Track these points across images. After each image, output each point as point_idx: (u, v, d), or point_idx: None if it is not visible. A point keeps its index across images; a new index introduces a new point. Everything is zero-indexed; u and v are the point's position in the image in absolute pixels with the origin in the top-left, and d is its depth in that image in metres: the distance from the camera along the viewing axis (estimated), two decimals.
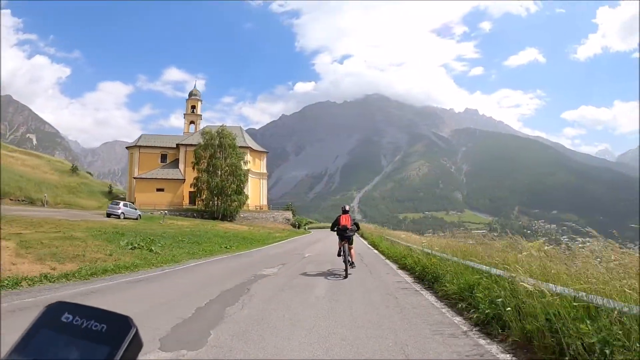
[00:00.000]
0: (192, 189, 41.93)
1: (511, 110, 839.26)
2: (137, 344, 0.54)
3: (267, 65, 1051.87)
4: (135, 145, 54.92)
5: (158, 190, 47.17)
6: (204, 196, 39.96)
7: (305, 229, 50.35)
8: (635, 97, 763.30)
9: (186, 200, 46.04)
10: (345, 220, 9.13)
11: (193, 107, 61.00)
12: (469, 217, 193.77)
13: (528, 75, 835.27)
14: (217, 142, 40.42)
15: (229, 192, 39.06)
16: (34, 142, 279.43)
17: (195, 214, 40.98)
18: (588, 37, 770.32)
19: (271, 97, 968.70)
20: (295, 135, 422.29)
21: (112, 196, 54.30)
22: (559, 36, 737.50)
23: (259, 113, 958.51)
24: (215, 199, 39.48)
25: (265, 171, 55.94)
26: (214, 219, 38.49)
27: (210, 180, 38.99)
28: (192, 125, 59.20)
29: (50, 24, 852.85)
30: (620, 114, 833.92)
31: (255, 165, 52.71)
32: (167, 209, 42.76)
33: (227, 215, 39.97)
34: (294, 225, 47.92)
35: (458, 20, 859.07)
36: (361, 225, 31.03)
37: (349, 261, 8.56)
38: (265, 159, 56.28)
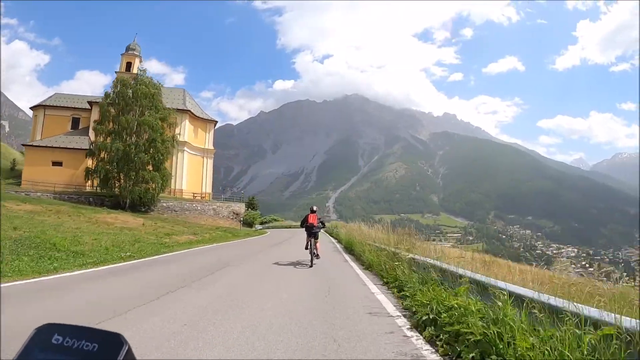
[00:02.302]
0: (90, 162, 28.25)
1: (489, 116, 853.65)
2: None
3: (248, 61, 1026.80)
4: (41, 105, 41.22)
5: (55, 164, 33.86)
6: (103, 173, 26.60)
7: (256, 228, 36.94)
8: (611, 108, 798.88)
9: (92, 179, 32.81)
10: (312, 219, 10.63)
11: (129, 64, 47.01)
12: (444, 220, 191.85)
13: (507, 82, 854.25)
14: (131, 92, 27.35)
15: (137, 166, 25.90)
16: (7, 129, 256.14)
17: (92, 199, 27.86)
18: (567, 48, 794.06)
19: (250, 94, 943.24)
20: (273, 133, 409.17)
21: (14, 173, 43.23)
22: (539, 46, 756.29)
23: (237, 109, 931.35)
24: (120, 176, 26.40)
25: (211, 147, 41.93)
26: (117, 207, 25.46)
27: (112, 148, 25.85)
28: None
29: (32, 8, 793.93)
30: (596, 124, 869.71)
31: (197, 139, 39.73)
32: (61, 191, 29.60)
33: (139, 203, 27.02)
34: (245, 223, 35.17)
35: (440, 26, 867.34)
36: (342, 225, 28.26)
37: (314, 253, 10.09)
38: (212, 131, 42.37)
